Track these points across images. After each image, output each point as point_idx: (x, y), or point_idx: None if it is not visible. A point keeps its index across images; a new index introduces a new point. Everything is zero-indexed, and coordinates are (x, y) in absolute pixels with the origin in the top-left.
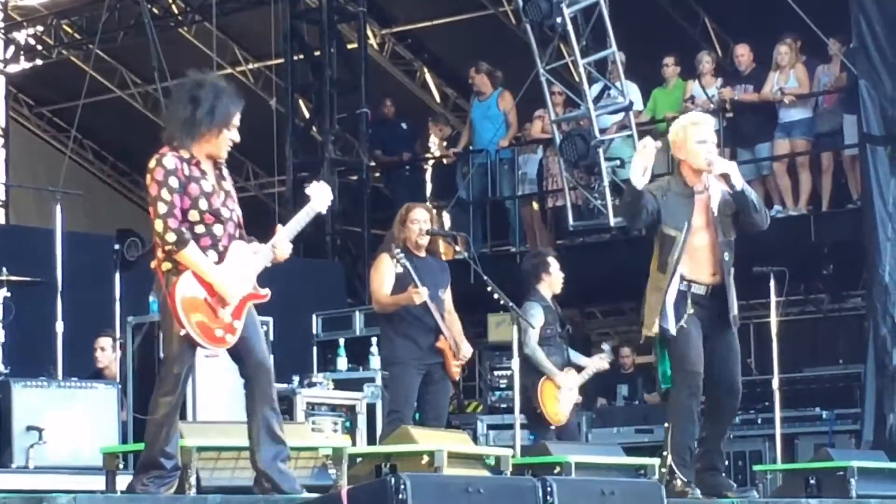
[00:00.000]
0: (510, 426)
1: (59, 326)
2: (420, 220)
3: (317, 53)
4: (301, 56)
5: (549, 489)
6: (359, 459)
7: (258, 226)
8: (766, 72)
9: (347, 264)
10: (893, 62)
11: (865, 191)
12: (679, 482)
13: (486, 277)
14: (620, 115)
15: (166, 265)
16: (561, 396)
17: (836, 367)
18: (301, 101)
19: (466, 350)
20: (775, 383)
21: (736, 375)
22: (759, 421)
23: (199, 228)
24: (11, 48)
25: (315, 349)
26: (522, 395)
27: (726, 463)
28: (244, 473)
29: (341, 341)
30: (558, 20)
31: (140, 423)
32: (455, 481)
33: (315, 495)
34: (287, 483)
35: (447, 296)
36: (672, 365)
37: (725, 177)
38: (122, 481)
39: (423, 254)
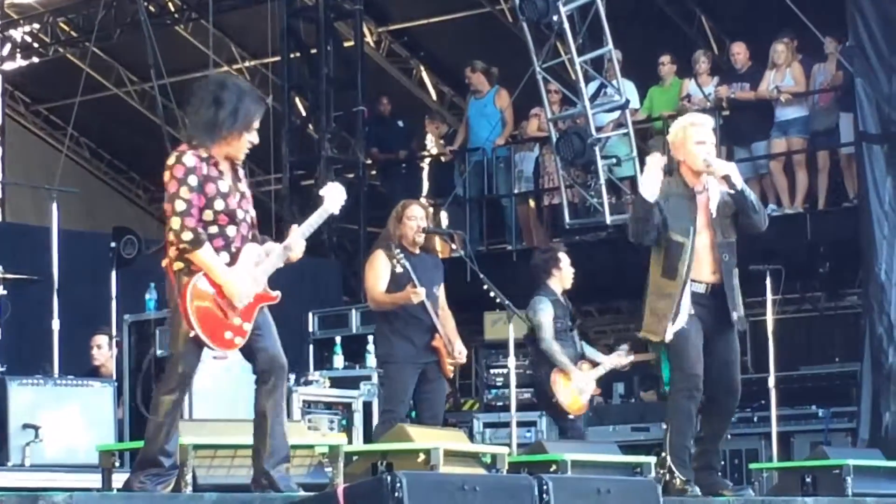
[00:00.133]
0: (506, 424)
1: (56, 324)
2: (417, 217)
3: (313, 51)
4: (297, 54)
5: (545, 487)
6: (355, 457)
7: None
8: (762, 70)
9: (344, 262)
10: (890, 60)
11: (861, 189)
12: (678, 481)
13: (482, 276)
14: (617, 114)
15: (178, 264)
16: (575, 387)
17: (832, 365)
18: (297, 99)
19: (461, 348)
20: (771, 381)
21: (735, 375)
22: (756, 419)
23: (213, 229)
24: (8, 46)
25: (311, 347)
26: (538, 387)
27: (722, 462)
28: (240, 471)
29: (338, 339)
30: (555, 18)
31: (136, 420)
32: (451, 479)
33: (311, 493)
34: (284, 482)
35: (441, 292)
36: (671, 366)
37: (726, 178)
38: (119, 479)
39: (417, 251)
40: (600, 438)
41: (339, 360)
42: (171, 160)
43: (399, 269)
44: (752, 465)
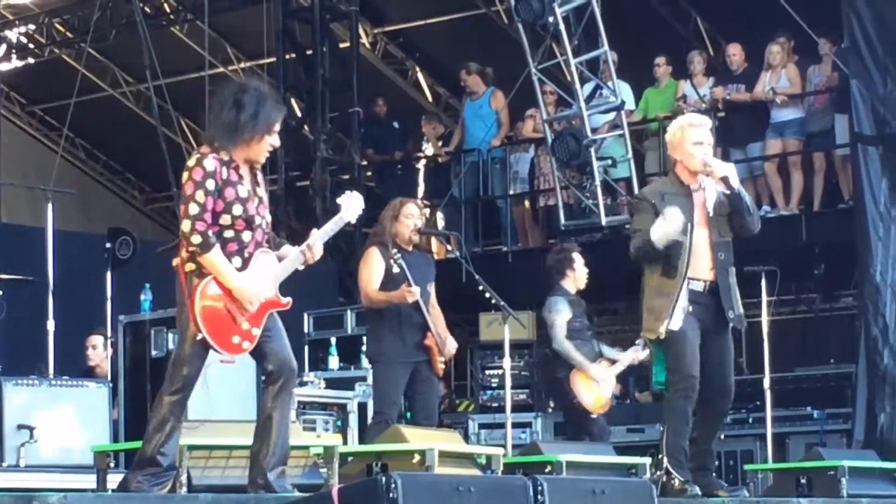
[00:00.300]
0: (501, 425)
1: (51, 325)
2: (413, 215)
3: (309, 52)
4: (293, 55)
5: (539, 488)
6: (350, 458)
7: None
8: (757, 71)
9: (339, 263)
10: (885, 62)
11: (857, 190)
12: (677, 481)
13: (477, 277)
14: (612, 115)
15: (190, 266)
16: (595, 385)
17: (827, 366)
18: (293, 100)
19: (451, 346)
20: (766, 383)
21: (729, 376)
22: (751, 420)
23: (229, 233)
24: (3, 46)
25: (306, 348)
26: (556, 389)
27: (717, 463)
28: (235, 472)
29: (333, 340)
30: (550, 20)
31: (131, 421)
32: (446, 480)
33: (306, 494)
34: (279, 483)
35: (432, 289)
36: (667, 366)
37: (724, 179)
38: (113, 480)
39: (411, 249)
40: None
41: (334, 361)
42: (191, 162)
43: (396, 269)
44: (747, 466)
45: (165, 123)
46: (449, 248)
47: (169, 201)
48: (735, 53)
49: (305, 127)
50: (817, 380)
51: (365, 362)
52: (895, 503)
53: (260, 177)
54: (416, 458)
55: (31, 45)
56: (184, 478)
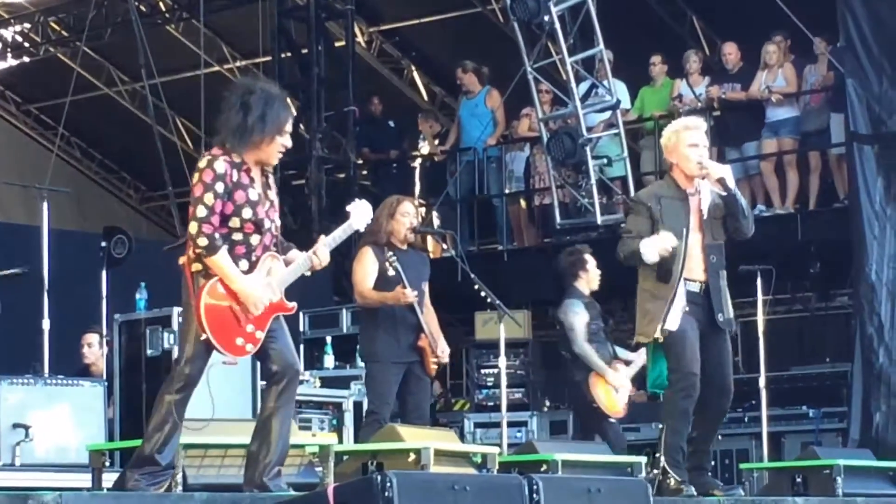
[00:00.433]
0: (497, 424)
1: (46, 324)
2: (409, 214)
3: (304, 51)
4: (288, 54)
5: (535, 487)
6: (345, 457)
7: None
8: (753, 70)
9: (335, 262)
10: (880, 61)
11: (852, 189)
12: (673, 481)
13: (473, 275)
14: (608, 114)
15: (196, 266)
16: (613, 389)
17: (822, 365)
18: (288, 99)
19: (444, 347)
20: (762, 382)
21: (728, 375)
22: (746, 419)
23: (237, 236)
24: None
25: (302, 347)
26: (574, 391)
27: (713, 462)
28: (230, 471)
29: (328, 339)
30: (546, 18)
31: (127, 420)
32: (441, 479)
33: (302, 493)
34: (275, 483)
35: (426, 288)
36: (668, 366)
37: (720, 181)
38: (109, 479)
39: (405, 247)
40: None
41: (329, 360)
42: (202, 163)
43: (391, 272)
44: (743, 465)
45: (161, 122)
46: (444, 246)
47: (164, 200)
48: (731, 52)
49: (301, 126)
50: (813, 379)
51: (360, 362)
52: (891, 502)
53: (271, 180)
54: (412, 456)
55: (27, 44)
56: (179, 477)
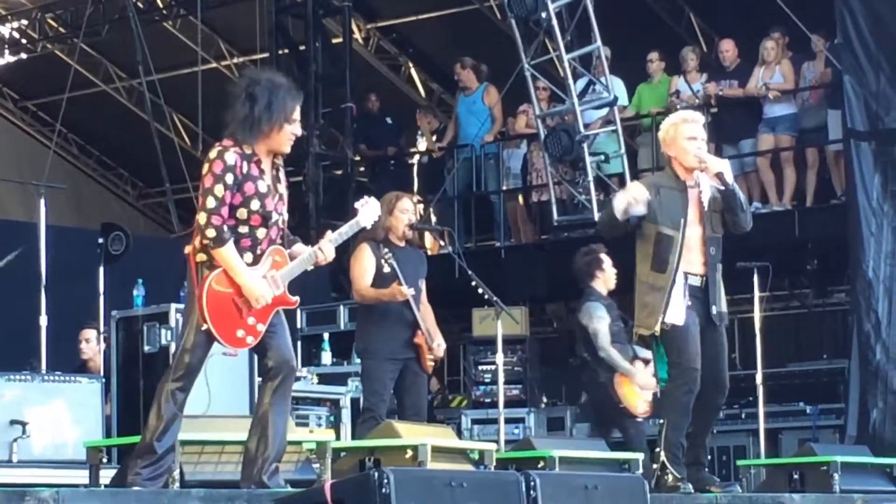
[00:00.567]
0: (494, 421)
1: (43, 320)
2: (408, 210)
3: (302, 48)
4: (286, 50)
5: (532, 484)
6: (343, 454)
7: None
8: (750, 67)
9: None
10: (878, 58)
11: (849, 186)
12: (671, 477)
13: (470, 272)
14: (605, 111)
15: (201, 256)
16: (638, 388)
17: (820, 362)
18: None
19: (440, 343)
20: (759, 378)
21: (724, 371)
22: (744, 416)
23: (243, 228)
24: None
25: (299, 343)
26: (598, 392)
27: (710, 458)
28: (227, 467)
29: (325, 336)
30: (543, 15)
31: (124, 417)
32: (439, 476)
33: (299, 490)
34: (273, 480)
35: (423, 285)
36: (669, 360)
37: (719, 175)
38: (106, 475)
39: (403, 244)
40: (588, 435)
41: (326, 357)
42: (212, 154)
43: (387, 269)
44: (740, 462)
45: (158, 119)
46: (442, 243)
47: (161, 197)
48: (728, 49)
49: None
50: (810, 375)
51: (357, 358)
52: (888, 498)
53: (282, 173)
54: (409, 453)
55: (24, 41)
56: (176, 473)
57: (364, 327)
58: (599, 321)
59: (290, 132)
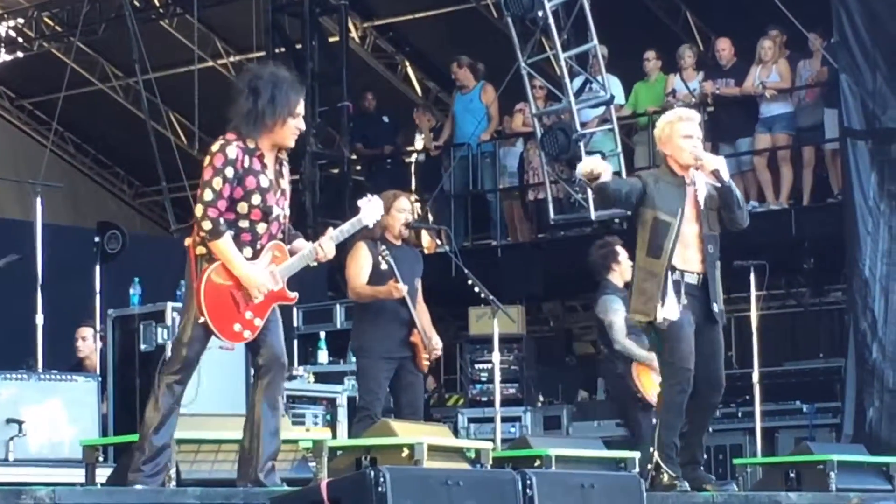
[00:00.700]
0: (491, 419)
1: (39, 319)
2: (406, 209)
3: (298, 46)
4: (282, 49)
5: (528, 482)
6: (339, 452)
7: None
8: (746, 66)
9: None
10: (874, 56)
11: (846, 185)
12: (666, 476)
13: (467, 271)
14: (601, 109)
15: (200, 249)
16: (657, 378)
17: (816, 360)
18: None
19: (437, 343)
20: (756, 377)
21: (720, 369)
22: (740, 414)
23: (244, 223)
24: None
25: (296, 342)
26: (617, 385)
27: (706, 457)
28: (224, 466)
29: (322, 334)
30: (539, 14)
31: (120, 415)
32: (435, 474)
33: (295, 488)
34: (269, 478)
35: (419, 284)
36: (662, 359)
37: (714, 172)
38: (102, 474)
39: (399, 243)
40: (584, 434)
41: (323, 355)
42: (214, 147)
43: (384, 266)
44: (737, 461)
45: (154, 117)
46: (439, 242)
47: (158, 195)
48: (724, 48)
49: None
50: (806, 374)
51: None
52: (884, 497)
53: (285, 169)
54: (405, 452)
55: (20, 39)
56: (173, 472)
57: (359, 326)
58: (615, 314)
59: (293, 126)
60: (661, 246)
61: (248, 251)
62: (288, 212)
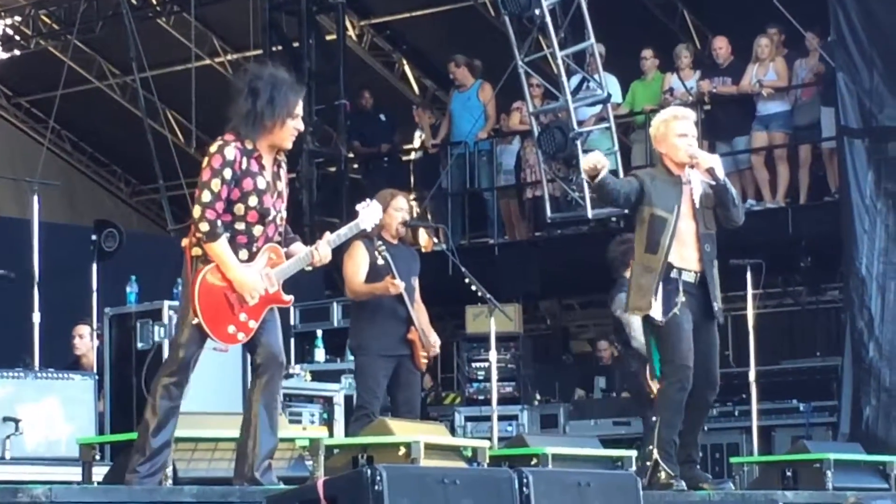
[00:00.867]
0: (487, 418)
1: (36, 317)
2: (403, 209)
3: (295, 45)
4: (279, 47)
5: (525, 481)
6: (336, 451)
7: None
8: (743, 65)
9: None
10: (871, 55)
11: (843, 183)
12: (664, 474)
13: (464, 269)
14: (598, 108)
15: (196, 250)
16: None
17: (813, 359)
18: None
19: (435, 341)
20: (752, 376)
21: (715, 367)
22: (737, 413)
23: (240, 225)
24: None
25: (293, 340)
26: (632, 383)
27: (703, 455)
28: (220, 464)
29: (319, 332)
30: (536, 12)
31: (117, 414)
32: (431, 473)
33: (291, 487)
34: (266, 477)
35: (416, 283)
36: (662, 357)
37: (710, 170)
38: (99, 472)
39: (396, 242)
40: (581, 432)
41: (320, 354)
42: (213, 147)
43: (381, 262)
44: (733, 459)
45: (151, 116)
46: (436, 240)
47: (155, 193)
48: (721, 47)
49: None
50: (803, 373)
51: (351, 355)
52: (880, 496)
53: (283, 171)
54: (402, 450)
55: (17, 37)
56: (169, 470)
57: (357, 324)
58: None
59: (292, 127)
60: (658, 242)
61: (244, 253)
62: (285, 214)
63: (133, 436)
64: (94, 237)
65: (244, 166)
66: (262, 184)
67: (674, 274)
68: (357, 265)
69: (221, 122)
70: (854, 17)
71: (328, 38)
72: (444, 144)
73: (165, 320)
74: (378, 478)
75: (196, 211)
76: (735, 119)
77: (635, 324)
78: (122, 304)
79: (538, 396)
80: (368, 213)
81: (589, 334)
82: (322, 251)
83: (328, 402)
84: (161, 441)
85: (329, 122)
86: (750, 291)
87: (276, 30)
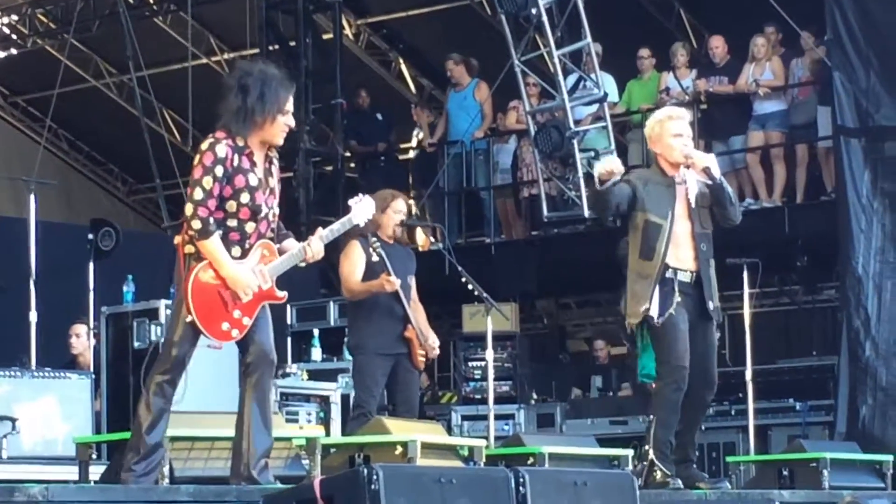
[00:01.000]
0: (484, 417)
1: (33, 316)
2: (402, 211)
3: (292, 44)
4: (276, 46)
5: (521, 480)
6: (332, 450)
7: None
8: (740, 64)
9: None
10: (867, 54)
11: (839, 183)
12: (660, 474)
13: (460, 268)
14: (595, 107)
15: (189, 248)
16: None
17: (809, 358)
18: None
19: (434, 341)
20: (749, 375)
21: (712, 367)
22: (733, 412)
23: (232, 222)
24: None
25: (289, 339)
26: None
27: (699, 454)
28: (217, 463)
29: (315, 332)
30: (533, 11)
31: (114, 413)
32: (428, 472)
33: (288, 486)
34: (263, 476)
35: (413, 283)
36: (658, 357)
37: (706, 170)
38: (96, 471)
39: (392, 241)
40: (578, 431)
41: (316, 353)
42: (204, 145)
43: (375, 258)
44: (730, 459)
45: (148, 114)
46: (433, 239)
47: (152, 192)
48: (718, 46)
49: None
50: (799, 372)
51: (348, 354)
52: (876, 495)
53: (275, 168)
54: (399, 449)
55: (14, 36)
56: (166, 469)
57: (354, 323)
58: None
59: (283, 123)
60: (653, 248)
61: (236, 250)
62: (277, 210)
63: (130, 435)
64: (90, 236)
65: (236, 163)
66: (253, 180)
67: (669, 274)
68: (353, 264)
69: (217, 121)
70: (850, 16)
71: (325, 37)
72: (440, 143)
73: (162, 319)
74: (374, 477)
75: (188, 209)
76: (731, 118)
77: None
78: (118, 303)
79: (535, 395)
80: (361, 208)
81: (586, 333)
82: (315, 247)
83: (325, 402)
84: (156, 439)
85: (326, 121)
86: (746, 290)
87: (273, 29)
